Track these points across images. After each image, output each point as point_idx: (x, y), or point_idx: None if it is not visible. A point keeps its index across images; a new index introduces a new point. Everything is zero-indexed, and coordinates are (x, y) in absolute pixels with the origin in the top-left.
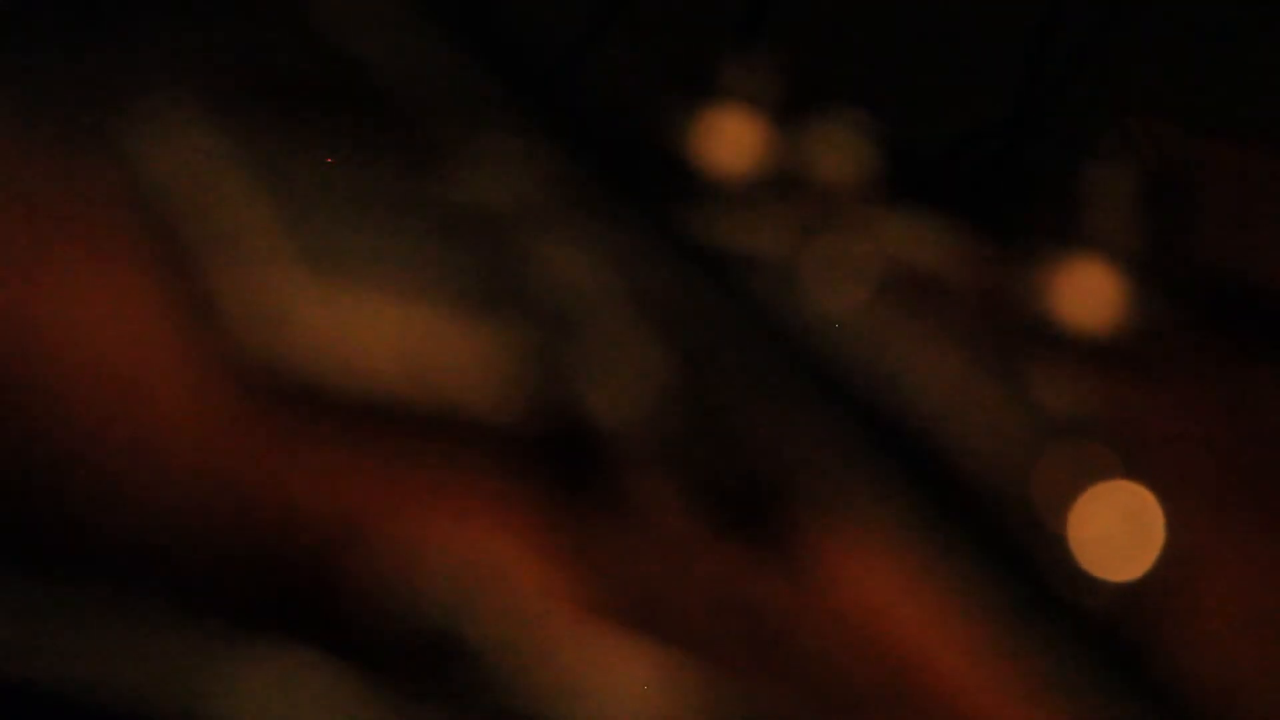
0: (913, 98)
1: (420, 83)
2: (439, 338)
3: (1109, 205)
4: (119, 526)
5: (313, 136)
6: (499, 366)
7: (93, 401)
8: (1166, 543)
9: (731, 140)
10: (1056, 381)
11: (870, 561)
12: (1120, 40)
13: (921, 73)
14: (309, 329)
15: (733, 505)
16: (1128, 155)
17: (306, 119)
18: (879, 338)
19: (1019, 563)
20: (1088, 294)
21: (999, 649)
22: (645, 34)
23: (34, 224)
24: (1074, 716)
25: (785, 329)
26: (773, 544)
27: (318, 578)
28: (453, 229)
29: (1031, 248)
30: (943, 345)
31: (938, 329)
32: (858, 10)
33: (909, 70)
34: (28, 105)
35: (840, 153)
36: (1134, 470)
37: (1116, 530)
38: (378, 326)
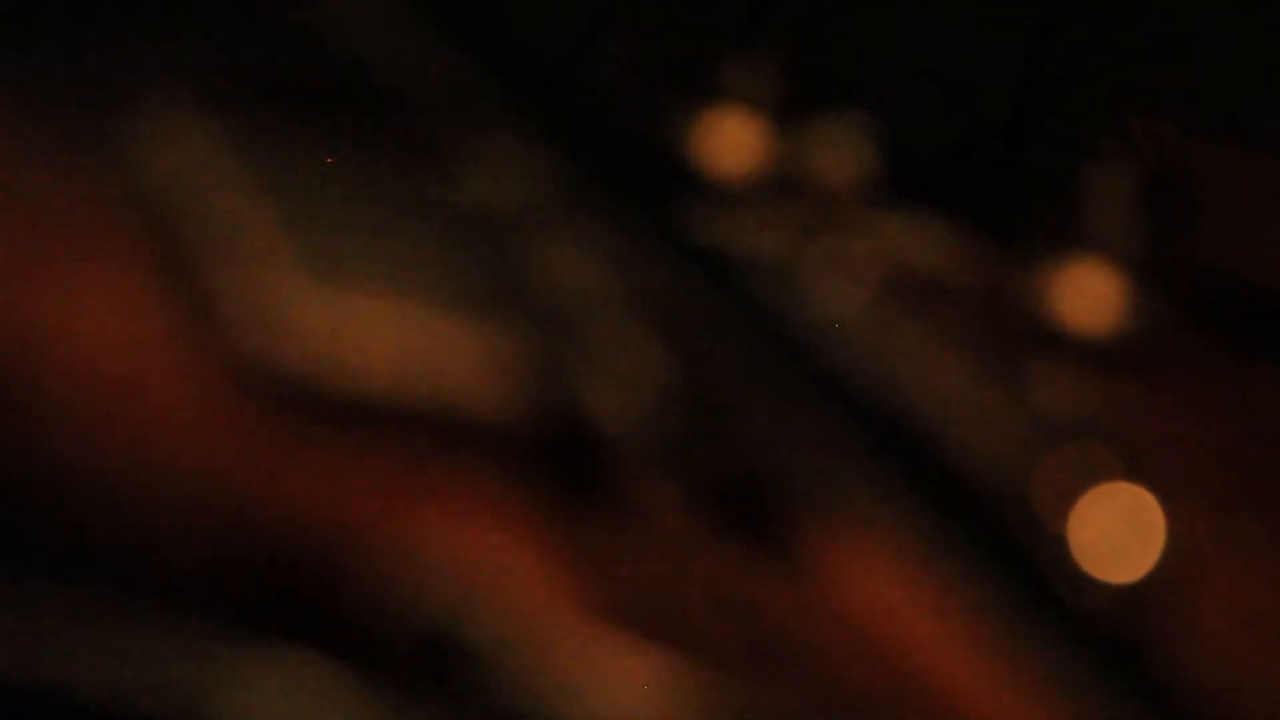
0: (912, 98)
1: (420, 83)
2: (438, 338)
3: (1109, 206)
4: (119, 527)
5: (313, 137)
6: (498, 367)
7: (92, 403)
8: (1167, 544)
9: (731, 141)
10: (1057, 382)
11: (870, 562)
12: (1120, 40)
13: (921, 73)
14: (308, 330)
15: (732, 506)
16: (1128, 156)
17: (306, 120)
18: (879, 339)
19: (1019, 563)
20: (1088, 295)
21: (999, 649)
22: (645, 34)
23: (34, 225)
24: (1074, 716)
25: (785, 330)
26: (772, 544)
27: (318, 579)
28: (452, 230)
29: (1032, 248)
30: (943, 346)
31: (938, 330)
32: (858, 11)
33: (909, 71)
34: (28, 105)
35: (840, 153)
36: (1134, 471)
37: (1117, 531)
38: (377, 327)
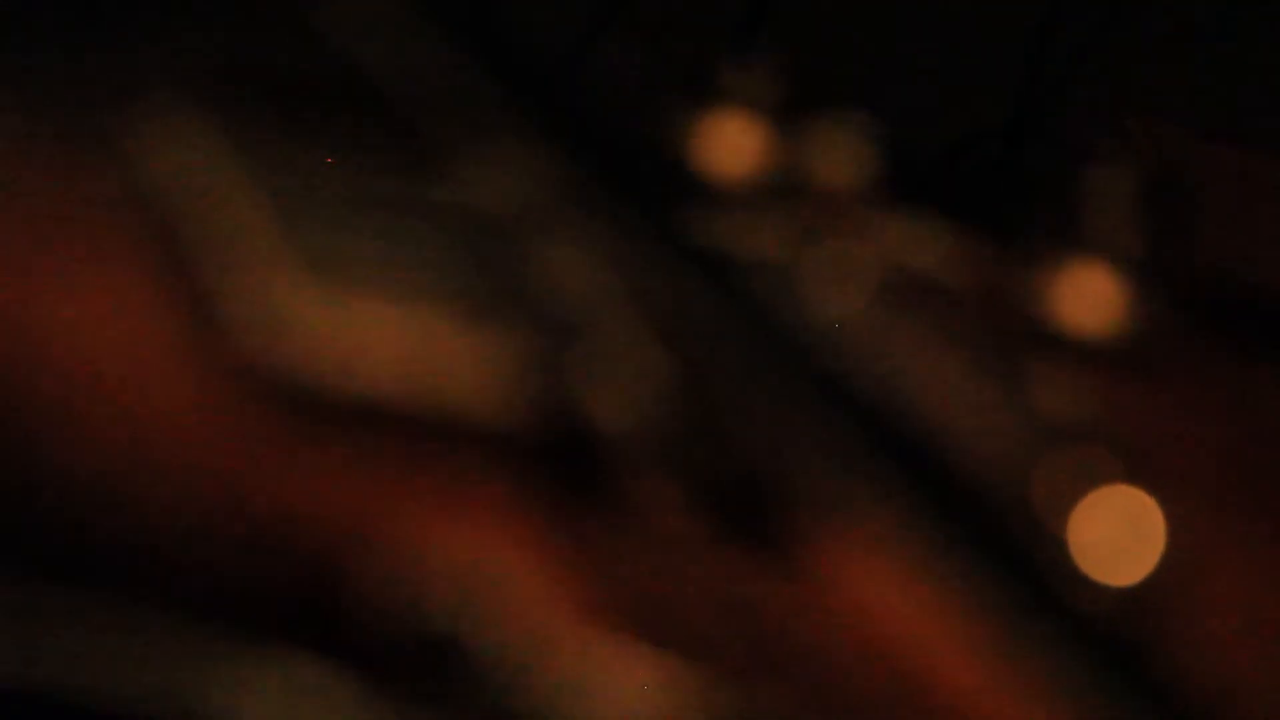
0: (912, 98)
1: (420, 85)
2: (438, 340)
3: (1109, 207)
4: (118, 528)
5: (313, 138)
6: (498, 368)
7: (92, 403)
8: (1167, 546)
9: (731, 142)
10: (1056, 383)
11: (870, 563)
12: (1120, 40)
13: (921, 73)
14: (309, 331)
15: (733, 507)
16: (1127, 157)
17: (307, 120)
18: (879, 340)
19: (1019, 564)
20: (1088, 296)
21: (999, 649)
22: (645, 35)
23: (34, 225)
24: (1074, 717)
25: (785, 331)
26: (773, 546)
27: (318, 580)
28: (452, 230)
29: (1031, 250)
30: (943, 347)
31: (937, 330)
32: (858, 11)
33: (909, 71)
34: (28, 105)
35: (840, 154)
36: (1134, 471)
37: (1117, 534)
38: (377, 329)
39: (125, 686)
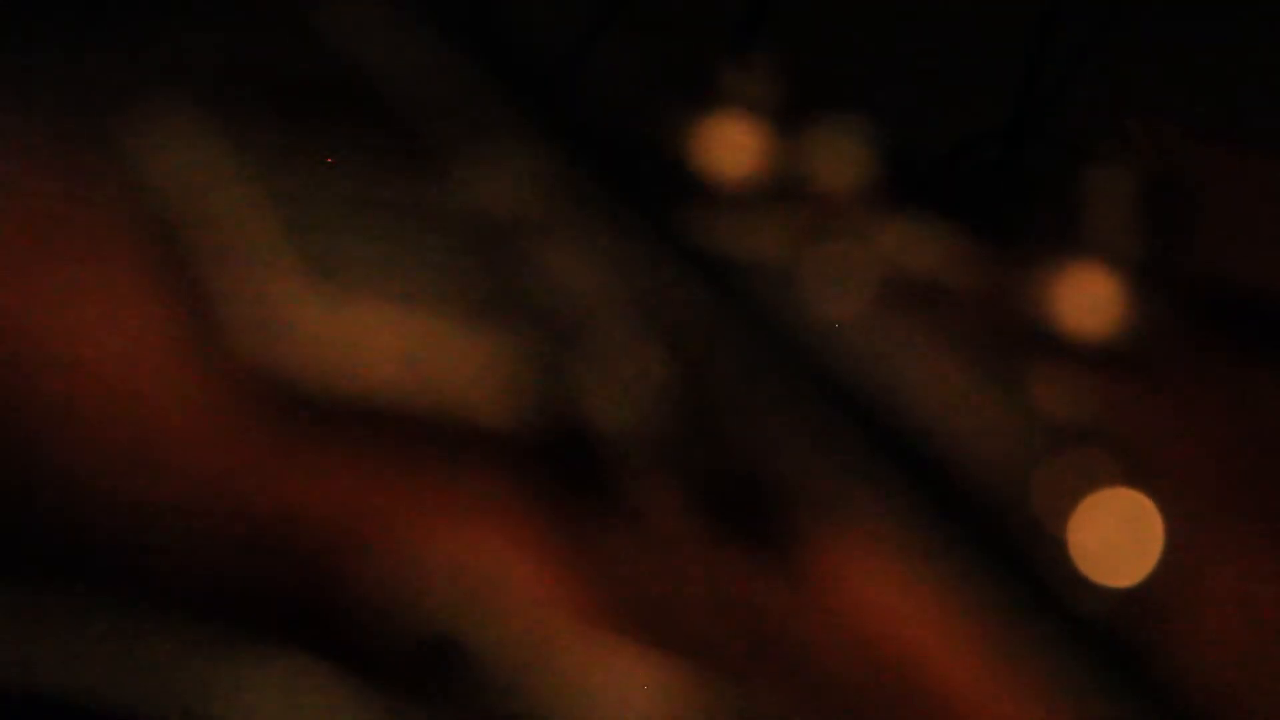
0: (912, 100)
1: (420, 85)
2: (438, 340)
3: (1109, 208)
4: (119, 530)
5: (313, 139)
6: (498, 369)
7: (92, 404)
8: (1167, 546)
9: (731, 143)
10: (1057, 385)
11: (870, 563)
12: (1120, 42)
13: (921, 75)
14: (308, 332)
15: (732, 509)
16: (1127, 157)
17: (307, 121)
18: (879, 341)
19: (1018, 565)
20: (1088, 297)
21: (999, 650)
22: (645, 38)
23: (34, 226)
24: (1074, 717)
25: (785, 332)
26: (772, 547)
27: (318, 581)
28: (452, 232)
29: (1031, 251)
30: (943, 349)
31: (937, 332)
32: (857, 12)
33: (909, 72)
34: (28, 105)
35: (840, 156)
36: (1134, 472)
37: (1116, 536)
38: (377, 329)
39: (125, 688)
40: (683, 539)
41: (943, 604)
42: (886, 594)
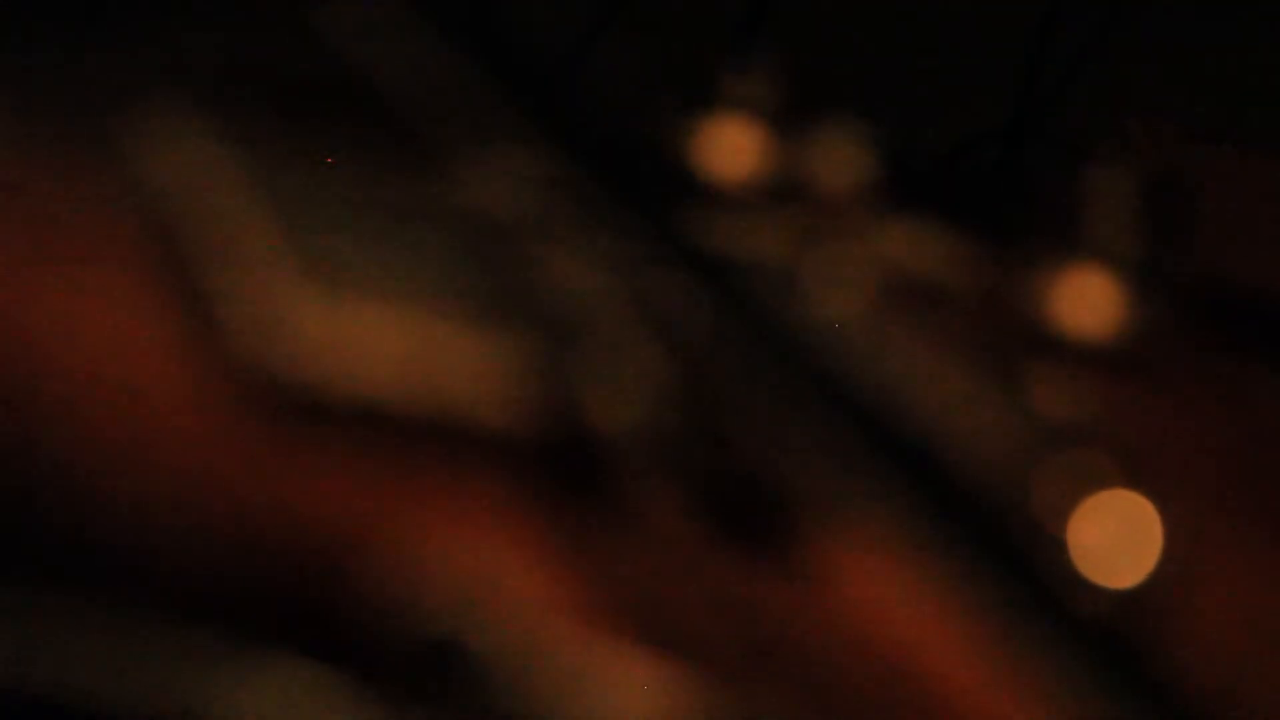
0: (912, 100)
1: (420, 85)
2: (438, 341)
3: (1108, 209)
4: (118, 530)
5: (313, 139)
6: (499, 369)
7: (92, 405)
8: (1166, 548)
9: (731, 144)
10: (1056, 384)
11: (870, 564)
12: (1120, 42)
13: (921, 75)
14: (308, 332)
15: (732, 508)
16: (1127, 159)
17: (307, 121)
18: (878, 342)
19: (1019, 566)
20: (1087, 297)
21: (999, 650)
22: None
23: (33, 225)
24: (1074, 717)
25: (785, 333)
26: (772, 548)
27: (318, 582)
28: (453, 233)
29: (1031, 252)
30: (942, 349)
31: (937, 333)
32: (857, 12)
33: (908, 72)
34: (28, 105)
35: (840, 157)
36: (1133, 472)
37: (1116, 537)
38: (377, 329)
39: (124, 690)
40: (683, 539)
41: (943, 604)
42: (886, 594)
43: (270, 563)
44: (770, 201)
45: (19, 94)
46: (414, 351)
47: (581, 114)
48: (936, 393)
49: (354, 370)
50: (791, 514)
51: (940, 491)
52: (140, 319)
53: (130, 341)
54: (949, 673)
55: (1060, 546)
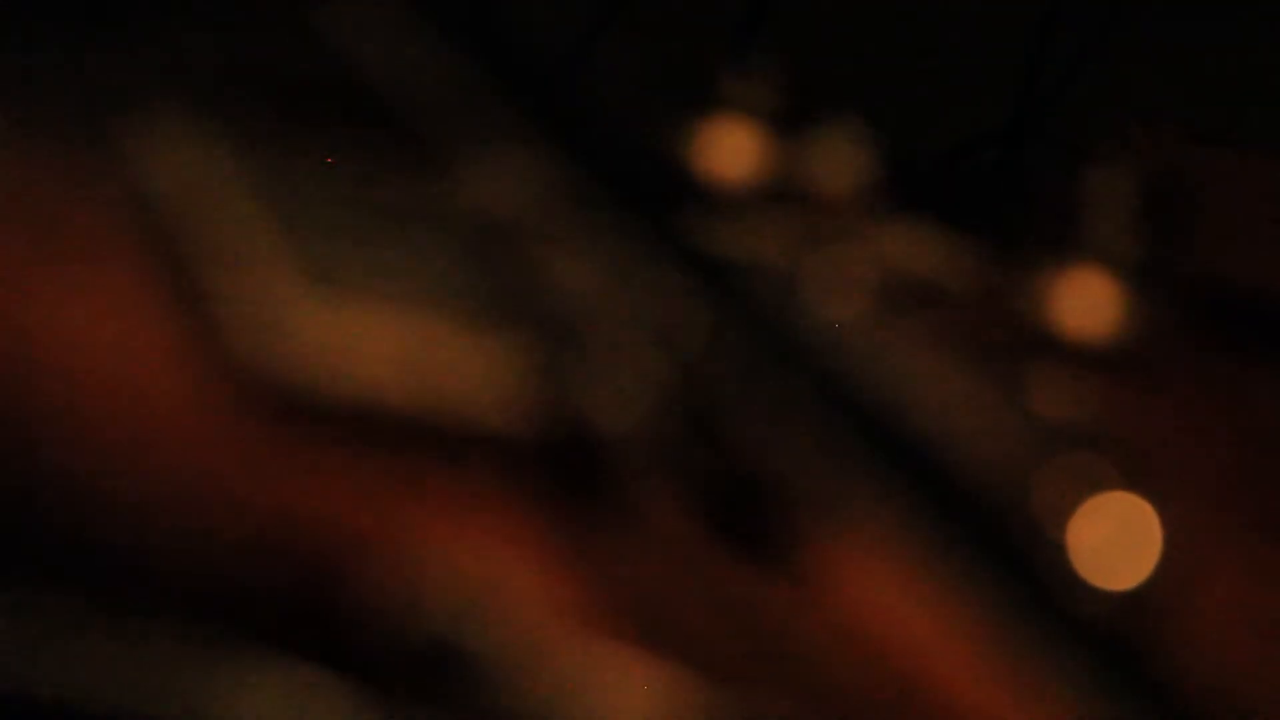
0: (912, 100)
1: (420, 86)
2: (438, 342)
3: (1108, 211)
4: (117, 531)
5: (313, 140)
6: (499, 371)
7: (91, 406)
8: (1166, 549)
9: (731, 145)
10: (1056, 386)
11: (870, 565)
12: (1120, 43)
13: (921, 75)
14: (308, 333)
15: (732, 510)
16: (1126, 160)
17: (307, 122)
18: (878, 345)
19: (1018, 567)
20: (1087, 300)
21: (999, 651)
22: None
23: (33, 226)
24: (1074, 717)
25: (785, 334)
26: (772, 550)
27: (317, 584)
28: (453, 234)
29: (1030, 254)
30: (942, 352)
31: (937, 335)
32: (857, 12)
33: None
34: (28, 106)
35: (839, 160)
36: (1133, 473)
37: (1115, 539)
38: (376, 330)
39: (123, 692)
40: (683, 540)
41: (943, 604)
42: (886, 594)
43: (270, 563)
44: (770, 202)
45: (19, 94)
46: (414, 352)
47: (581, 114)
48: (936, 393)
49: (354, 371)
50: (791, 514)
51: (940, 492)
52: (140, 319)
53: (130, 341)
54: (949, 673)
55: (1060, 548)
